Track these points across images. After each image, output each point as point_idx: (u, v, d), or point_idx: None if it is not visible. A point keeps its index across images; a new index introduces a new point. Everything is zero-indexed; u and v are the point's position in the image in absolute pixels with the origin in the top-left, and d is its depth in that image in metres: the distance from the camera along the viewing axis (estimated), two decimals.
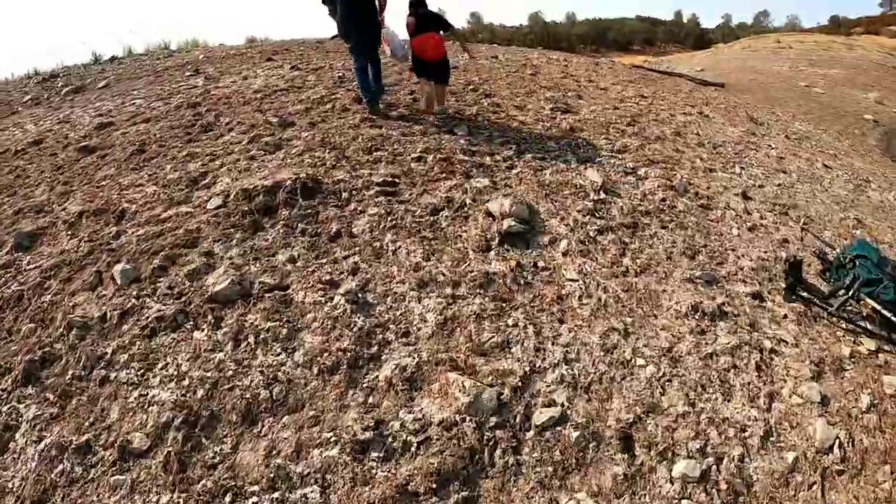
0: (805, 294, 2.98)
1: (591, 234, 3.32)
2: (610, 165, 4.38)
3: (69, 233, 3.27)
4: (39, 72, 11.40)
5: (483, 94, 5.64)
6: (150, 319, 2.47)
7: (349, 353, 2.18)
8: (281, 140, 3.88)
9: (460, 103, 5.20)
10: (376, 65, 4.70)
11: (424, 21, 4.45)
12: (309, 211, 2.98)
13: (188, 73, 6.52)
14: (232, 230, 2.87)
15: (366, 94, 4.65)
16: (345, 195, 3.14)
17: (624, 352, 2.47)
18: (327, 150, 3.67)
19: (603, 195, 3.78)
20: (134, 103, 5.50)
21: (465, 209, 3.18)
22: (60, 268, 2.92)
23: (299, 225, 2.89)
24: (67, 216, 3.42)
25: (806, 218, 4.25)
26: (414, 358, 2.18)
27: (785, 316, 2.91)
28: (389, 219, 2.97)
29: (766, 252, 3.56)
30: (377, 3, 4.49)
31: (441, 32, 4.54)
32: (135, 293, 2.65)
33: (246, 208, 2.97)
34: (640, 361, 2.44)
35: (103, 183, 3.75)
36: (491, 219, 3.12)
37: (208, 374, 2.19)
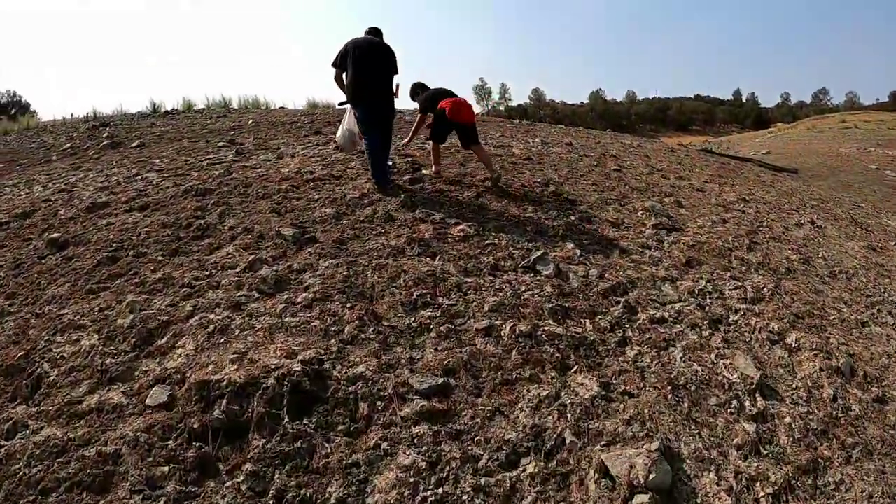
0: None
1: None
2: (751, 331, 3.11)
3: None
4: (98, 115, 11.42)
5: (567, 201, 4.42)
6: None
7: None
8: (288, 272, 2.71)
9: (541, 214, 3.98)
10: (387, 145, 4.08)
11: (445, 92, 4.49)
12: (298, 444, 1.71)
13: (221, 144, 5.73)
14: (165, 470, 1.63)
15: (378, 177, 4.08)
16: (363, 409, 1.86)
17: None
18: (349, 301, 2.46)
19: (761, 403, 2.44)
20: (146, 178, 4.66)
21: (564, 456, 1.82)
22: None
23: (276, 477, 1.61)
24: None
25: None
26: None
27: None
28: (434, 479, 1.64)
29: None
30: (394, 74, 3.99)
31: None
32: None
33: (196, 424, 1.74)
34: None
35: (46, 309, 2.70)
36: (610, 484, 1.74)
37: None
